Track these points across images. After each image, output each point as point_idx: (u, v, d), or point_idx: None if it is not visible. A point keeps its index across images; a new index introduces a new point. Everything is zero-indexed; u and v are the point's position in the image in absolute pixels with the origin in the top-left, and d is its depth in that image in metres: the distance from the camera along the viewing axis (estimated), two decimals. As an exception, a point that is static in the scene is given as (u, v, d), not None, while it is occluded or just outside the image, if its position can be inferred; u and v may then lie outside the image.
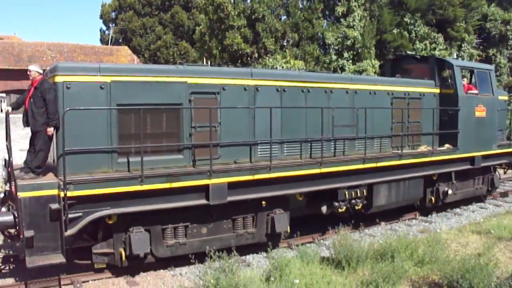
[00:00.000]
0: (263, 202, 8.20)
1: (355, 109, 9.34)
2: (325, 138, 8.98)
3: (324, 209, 9.38)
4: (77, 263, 7.50)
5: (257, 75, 8.55)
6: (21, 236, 6.28)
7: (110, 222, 6.94)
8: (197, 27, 23.58)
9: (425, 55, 14.54)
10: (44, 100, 6.51)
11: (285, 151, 8.86)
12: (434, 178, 11.17)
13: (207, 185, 7.43)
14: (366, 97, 10.05)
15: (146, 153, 7.35)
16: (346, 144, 9.69)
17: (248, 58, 18.84)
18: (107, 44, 33.05)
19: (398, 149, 10.46)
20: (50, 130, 6.58)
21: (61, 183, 6.36)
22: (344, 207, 9.35)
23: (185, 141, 7.68)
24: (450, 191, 11.27)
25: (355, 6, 18.77)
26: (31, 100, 6.61)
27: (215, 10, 18.77)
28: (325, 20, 20.12)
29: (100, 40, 37.95)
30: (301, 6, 19.66)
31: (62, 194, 6.28)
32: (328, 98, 9.45)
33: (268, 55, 18.33)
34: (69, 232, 6.46)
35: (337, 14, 19.31)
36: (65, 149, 6.40)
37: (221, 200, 7.57)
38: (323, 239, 9.59)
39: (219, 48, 19.09)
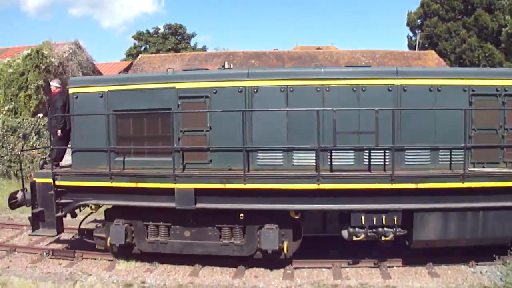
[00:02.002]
0: (241, 215, 7.53)
1: (374, 111, 7.09)
2: (323, 148, 7.34)
3: (344, 233, 7.69)
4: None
5: (255, 75, 7.85)
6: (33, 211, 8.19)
7: (92, 211, 8.07)
8: (502, 29, 22.85)
9: None
10: (55, 108, 8.23)
11: (293, 160, 7.76)
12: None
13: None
14: (422, 95, 7.53)
15: (142, 154, 8.14)
16: (387, 156, 7.55)
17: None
18: (414, 49, 35.04)
19: (483, 166, 7.38)
20: (58, 132, 8.24)
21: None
22: (363, 235, 7.40)
23: (175, 144, 7.95)
24: None
25: None
26: (49, 108, 8.47)
27: (520, 9, 18.20)
28: None
29: (408, 45, 40.73)
30: None
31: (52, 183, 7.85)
32: (357, 97, 7.64)
33: None
34: (61, 213, 7.98)
35: None
36: (51, 146, 7.94)
37: (187, 206, 7.49)
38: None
39: (526, 48, 18.50)
